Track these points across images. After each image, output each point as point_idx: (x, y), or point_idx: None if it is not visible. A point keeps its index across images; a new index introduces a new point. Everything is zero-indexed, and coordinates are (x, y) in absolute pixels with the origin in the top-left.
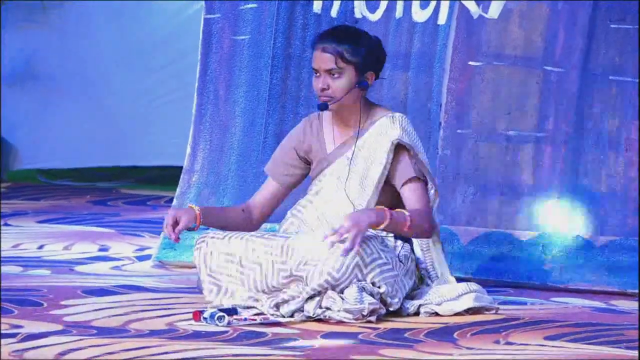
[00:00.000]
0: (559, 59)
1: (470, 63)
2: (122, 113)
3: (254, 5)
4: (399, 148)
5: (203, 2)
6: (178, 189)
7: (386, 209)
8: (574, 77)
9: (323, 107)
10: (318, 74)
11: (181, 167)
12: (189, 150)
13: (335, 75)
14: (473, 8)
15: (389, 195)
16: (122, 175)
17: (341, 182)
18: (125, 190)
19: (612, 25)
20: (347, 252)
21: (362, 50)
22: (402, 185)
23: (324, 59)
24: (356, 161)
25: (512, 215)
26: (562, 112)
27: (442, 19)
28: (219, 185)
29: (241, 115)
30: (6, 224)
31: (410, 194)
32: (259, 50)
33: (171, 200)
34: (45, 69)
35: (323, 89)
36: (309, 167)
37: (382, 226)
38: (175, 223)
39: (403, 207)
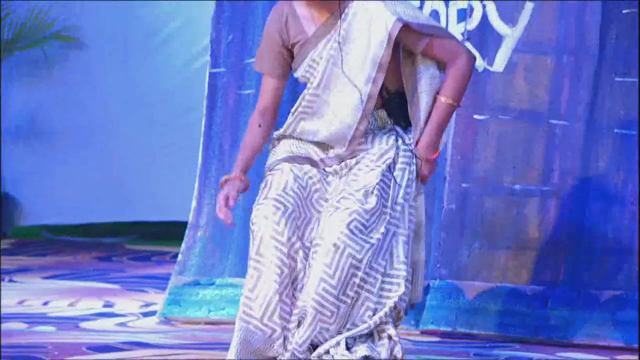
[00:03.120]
0: (564, 112)
1: (476, 117)
2: (127, 168)
3: None
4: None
5: (208, 56)
6: (183, 244)
7: (427, 129)
8: (579, 131)
9: None
10: None
11: (186, 223)
12: (194, 204)
13: None
14: (478, 61)
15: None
16: (127, 230)
17: (337, 66)
18: (130, 245)
19: (617, 79)
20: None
21: None
22: (423, 48)
23: None
24: (347, 38)
25: (518, 269)
26: (568, 165)
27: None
28: (224, 240)
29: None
30: (11, 280)
31: (432, 51)
32: None
33: (176, 255)
34: (49, 124)
35: None
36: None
37: (436, 144)
38: (226, 203)
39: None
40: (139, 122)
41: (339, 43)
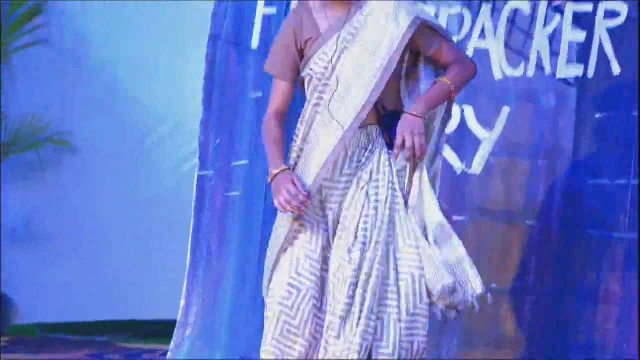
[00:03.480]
0: (540, 214)
1: (455, 218)
2: (119, 268)
3: (246, 162)
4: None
5: (197, 160)
6: (172, 343)
7: (420, 97)
8: (555, 231)
9: None
10: None
11: (175, 321)
12: (182, 304)
13: None
14: (456, 164)
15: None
16: (120, 329)
17: (347, 56)
18: (122, 344)
19: (590, 181)
20: (420, 158)
21: None
22: (435, 50)
23: None
24: (359, 34)
25: None
26: (543, 265)
27: None
28: (212, 339)
29: (233, 271)
30: None
31: (444, 55)
32: (250, 206)
33: (165, 353)
34: (44, 227)
35: None
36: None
37: (427, 109)
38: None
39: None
40: (131, 224)
41: (350, 36)
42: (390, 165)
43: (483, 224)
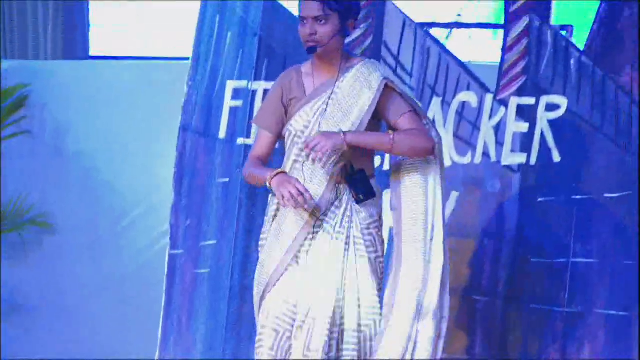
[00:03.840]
0: (485, 289)
1: None
2: (96, 335)
3: (214, 242)
4: (386, 89)
5: (168, 240)
6: None
7: (362, 131)
8: (498, 305)
9: (311, 50)
10: (305, 22)
11: None
12: None
13: (322, 22)
14: None
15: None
16: None
17: (325, 117)
18: None
19: (533, 259)
20: (315, 160)
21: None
22: (399, 117)
23: (312, 7)
24: (337, 97)
25: None
26: (488, 336)
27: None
28: None
29: (201, 341)
30: None
31: (406, 123)
32: (217, 282)
33: None
34: (28, 299)
35: (310, 34)
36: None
37: (354, 138)
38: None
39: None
40: (107, 298)
41: (329, 97)
42: (352, 221)
43: None
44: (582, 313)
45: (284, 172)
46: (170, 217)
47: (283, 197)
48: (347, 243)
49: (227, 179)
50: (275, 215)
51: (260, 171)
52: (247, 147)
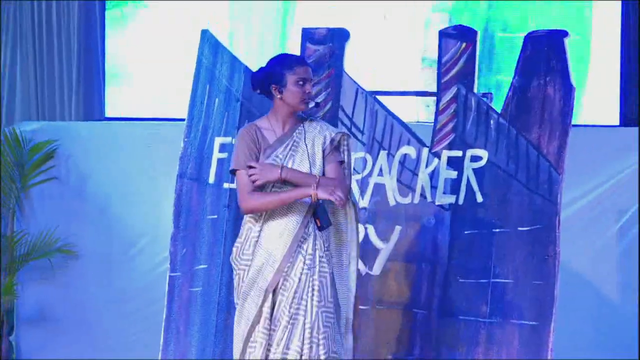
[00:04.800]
0: (423, 304)
1: (361, 307)
2: (110, 343)
3: (205, 266)
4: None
5: (168, 264)
6: None
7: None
8: (434, 317)
9: (316, 106)
10: (306, 83)
11: None
12: None
13: (312, 84)
14: (361, 267)
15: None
16: None
17: (294, 160)
18: None
19: (460, 280)
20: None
21: None
22: (330, 163)
23: (309, 71)
24: (300, 144)
25: None
26: (425, 342)
27: None
28: None
29: (195, 345)
30: None
31: (331, 169)
32: (208, 298)
33: None
34: (54, 316)
35: (308, 93)
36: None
37: (288, 174)
38: None
39: None
40: (118, 310)
41: (290, 148)
42: (317, 247)
43: (381, 311)
44: (501, 322)
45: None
46: (170, 246)
47: (340, 198)
48: (313, 261)
49: (215, 216)
50: (257, 241)
51: (290, 192)
52: (232, 190)
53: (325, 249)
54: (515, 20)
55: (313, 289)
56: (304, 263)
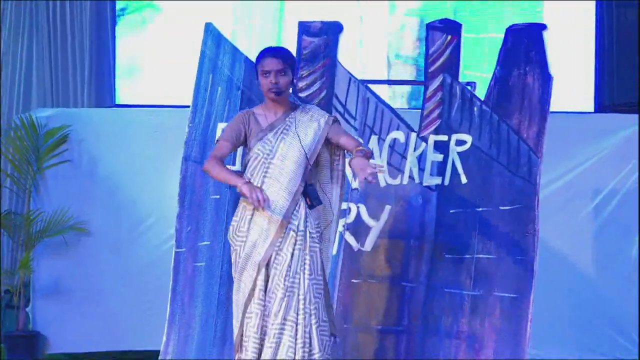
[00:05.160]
0: (412, 277)
1: (353, 280)
2: (121, 314)
3: (208, 242)
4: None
5: (174, 241)
6: None
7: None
8: (421, 290)
9: (278, 95)
10: (269, 74)
11: (159, 351)
12: (164, 339)
13: (283, 74)
14: (353, 243)
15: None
16: (120, 356)
17: (285, 143)
18: None
19: (447, 255)
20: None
21: (293, 58)
22: (340, 136)
23: (275, 63)
24: (291, 128)
25: None
26: (413, 313)
27: (334, 251)
28: None
29: (199, 316)
30: None
31: (345, 140)
32: (210, 273)
33: None
34: (68, 286)
35: (275, 83)
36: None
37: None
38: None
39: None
40: (127, 284)
41: (285, 130)
42: (308, 224)
43: (372, 285)
44: (484, 295)
45: (250, 182)
46: (176, 224)
47: (257, 199)
48: (304, 237)
49: (218, 196)
50: (252, 219)
51: (231, 174)
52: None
53: (316, 225)
54: (477, 22)
55: (305, 264)
56: (296, 239)
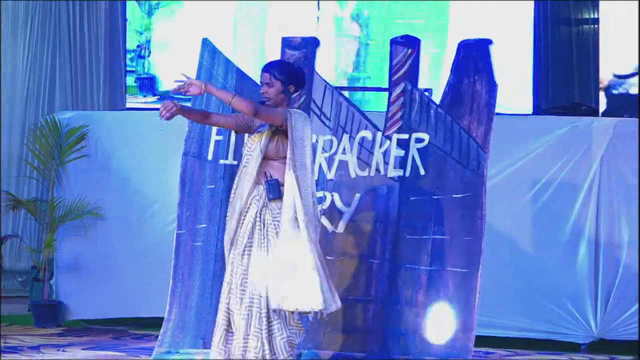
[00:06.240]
0: (378, 255)
1: (327, 257)
2: (131, 286)
3: (205, 225)
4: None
5: (176, 224)
6: (161, 330)
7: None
8: (387, 266)
9: (262, 102)
10: (261, 85)
11: (163, 318)
12: (167, 307)
13: (270, 86)
14: (328, 226)
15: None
16: (129, 322)
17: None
18: (131, 330)
19: (407, 236)
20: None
21: (285, 73)
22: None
23: (264, 76)
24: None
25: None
26: (380, 285)
27: None
28: (184, 328)
29: (198, 287)
30: (64, 351)
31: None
32: (207, 251)
33: (157, 337)
34: (86, 264)
35: (263, 93)
36: (248, 130)
37: (210, 89)
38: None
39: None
40: (136, 261)
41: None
42: (268, 209)
43: (344, 262)
44: (439, 270)
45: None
46: (177, 209)
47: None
48: (263, 224)
49: (213, 186)
50: (232, 201)
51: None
52: (227, 166)
53: (276, 214)
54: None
55: (262, 244)
56: (253, 223)
